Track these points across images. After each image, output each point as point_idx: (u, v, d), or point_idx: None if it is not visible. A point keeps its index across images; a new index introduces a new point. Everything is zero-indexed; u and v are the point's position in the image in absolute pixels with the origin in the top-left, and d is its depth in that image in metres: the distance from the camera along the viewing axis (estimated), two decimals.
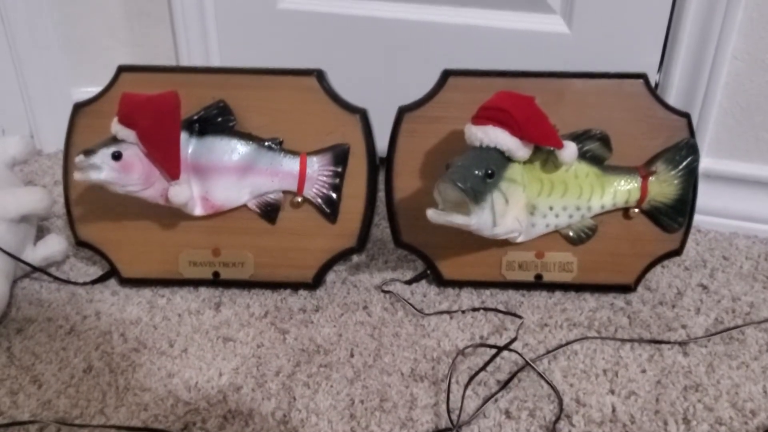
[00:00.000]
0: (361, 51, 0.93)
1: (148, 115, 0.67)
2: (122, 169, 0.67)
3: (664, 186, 0.72)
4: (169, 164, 0.69)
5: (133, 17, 1.03)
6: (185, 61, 1.00)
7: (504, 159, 0.66)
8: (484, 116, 0.65)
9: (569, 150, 0.67)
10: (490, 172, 0.63)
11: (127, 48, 1.05)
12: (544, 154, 0.69)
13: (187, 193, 0.70)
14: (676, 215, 0.73)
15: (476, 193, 0.62)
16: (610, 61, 0.84)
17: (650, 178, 0.72)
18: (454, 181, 0.61)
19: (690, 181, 0.72)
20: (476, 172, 0.63)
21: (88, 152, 0.66)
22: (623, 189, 0.72)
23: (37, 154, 1.06)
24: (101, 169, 0.66)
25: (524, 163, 0.68)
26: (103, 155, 0.66)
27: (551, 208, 0.71)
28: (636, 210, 0.73)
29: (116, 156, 0.66)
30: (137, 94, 0.68)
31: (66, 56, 1.05)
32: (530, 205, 0.70)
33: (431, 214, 0.63)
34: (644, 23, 0.83)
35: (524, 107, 0.65)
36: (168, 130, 0.68)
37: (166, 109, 0.68)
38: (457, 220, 0.62)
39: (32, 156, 1.03)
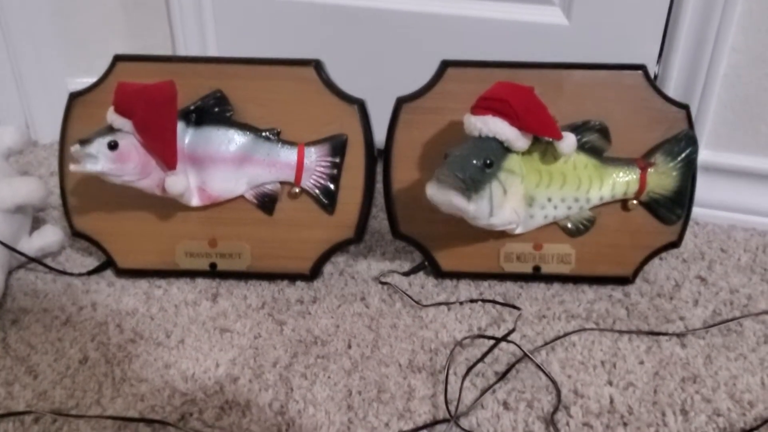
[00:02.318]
0: (359, 41, 0.92)
1: (145, 105, 0.66)
2: (118, 158, 0.66)
3: (662, 178, 0.72)
4: (166, 154, 0.68)
5: (129, 7, 1.02)
6: (182, 52, 1.00)
7: (503, 149, 0.65)
8: (483, 106, 0.65)
9: (568, 141, 0.67)
10: (488, 162, 0.63)
11: (123, 38, 1.04)
12: (543, 145, 0.69)
13: (183, 183, 0.69)
14: (674, 207, 0.73)
15: (474, 182, 0.62)
16: (609, 53, 0.84)
17: (649, 169, 0.71)
18: (452, 170, 0.61)
19: (688, 172, 0.72)
20: (474, 161, 0.62)
21: (84, 142, 0.66)
22: (622, 180, 0.71)
23: (32, 144, 1.06)
24: (97, 159, 0.66)
25: (522, 154, 0.68)
26: (99, 145, 0.66)
27: (549, 200, 0.70)
28: (635, 202, 0.73)
29: (112, 145, 0.66)
30: (133, 83, 0.67)
31: (61, 46, 1.04)
32: (528, 197, 0.70)
33: (431, 190, 0.62)
34: (643, 15, 0.82)
35: (523, 97, 0.65)
36: (165, 120, 0.68)
37: (162, 99, 0.67)
38: (456, 200, 0.62)
39: (27, 146, 1.02)
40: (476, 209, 0.63)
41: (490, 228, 0.67)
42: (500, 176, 0.64)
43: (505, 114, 0.64)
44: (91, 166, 0.66)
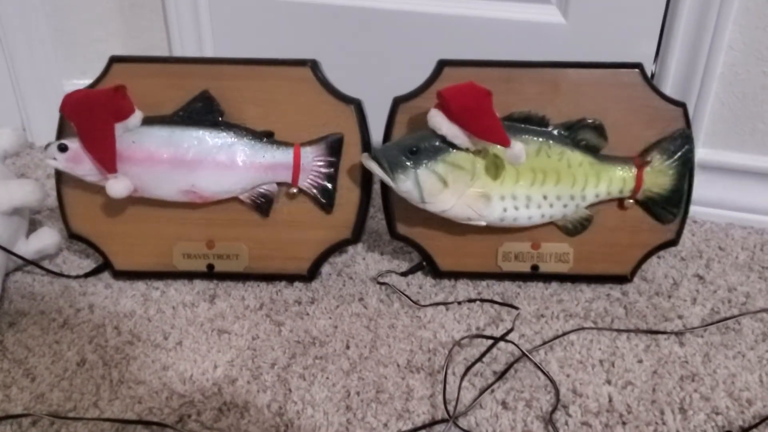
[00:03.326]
0: (356, 41, 0.92)
1: (81, 111, 0.68)
2: (71, 160, 0.70)
3: (659, 176, 0.72)
4: (103, 158, 0.69)
5: (126, 8, 1.02)
6: (178, 52, 1.00)
7: (444, 143, 0.68)
8: (437, 101, 0.68)
9: (514, 151, 0.67)
10: (414, 149, 0.68)
11: (119, 39, 1.04)
12: (537, 144, 0.69)
13: (124, 187, 0.70)
14: (671, 206, 0.73)
15: (391, 164, 0.67)
16: (607, 51, 0.84)
17: (645, 168, 0.71)
18: (374, 150, 0.69)
19: (684, 171, 0.72)
20: (399, 147, 0.68)
21: (48, 145, 0.71)
22: (618, 178, 0.71)
23: (29, 146, 1.05)
24: (56, 161, 0.70)
25: None
26: (54, 147, 0.70)
27: (545, 198, 0.71)
28: (631, 201, 0.73)
29: (62, 148, 0.70)
30: (81, 91, 0.70)
31: (58, 48, 1.04)
32: (525, 196, 0.70)
33: (363, 158, 0.69)
34: (640, 13, 0.82)
35: (468, 98, 0.66)
36: (100, 125, 0.68)
37: (98, 104, 0.68)
38: (378, 172, 0.68)
39: (24, 149, 1.02)
40: (399, 189, 0.69)
41: (441, 214, 0.70)
42: (436, 167, 0.68)
43: (444, 109, 0.67)
44: (53, 164, 0.71)
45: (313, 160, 0.72)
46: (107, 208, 0.75)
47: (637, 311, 0.72)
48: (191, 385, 0.63)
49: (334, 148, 0.72)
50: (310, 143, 0.72)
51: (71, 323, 0.70)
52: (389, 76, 0.80)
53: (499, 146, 0.67)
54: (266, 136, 0.72)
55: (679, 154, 0.71)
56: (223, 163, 0.71)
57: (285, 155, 0.72)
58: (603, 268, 0.75)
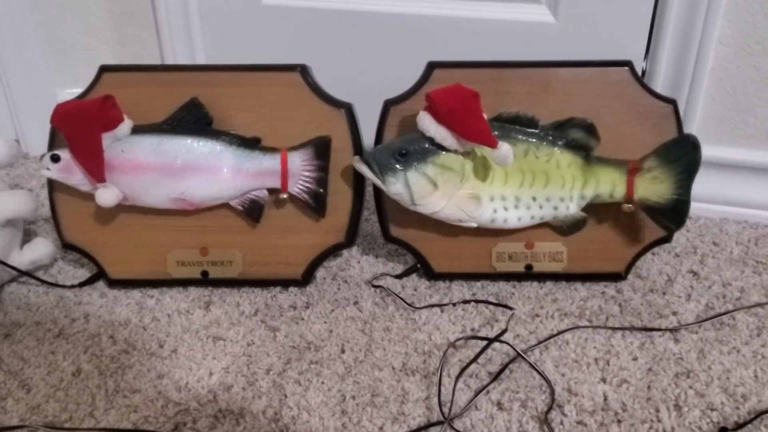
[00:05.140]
0: (345, 45, 0.92)
1: (70, 122, 0.69)
2: (63, 170, 0.71)
3: (655, 184, 0.69)
4: (92, 168, 0.70)
5: (117, 16, 1.02)
6: (170, 60, 1.00)
7: (433, 146, 0.68)
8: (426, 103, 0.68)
9: (501, 152, 0.67)
10: (403, 152, 0.68)
11: (111, 47, 1.04)
12: (525, 144, 0.69)
13: (113, 195, 0.71)
14: (671, 216, 0.69)
15: (381, 166, 0.68)
16: (597, 50, 0.84)
17: (638, 173, 0.69)
18: (365, 153, 0.70)
19: (687, 180, 0.68)
20: (389, 149, 0.69)
21: (42, 155, 0.72)
22: (606, 181, 0.70)
23: (23, 157, 1.05)
24: (49, 171, 0.71)
25: None
26: (47, 158, 0.71)
27: (534, 199, 0.70)
28: (629, 206, 0.71)
29: (55, 159, 0.71)
30: (71, 102, 0.70)
31: (50, 57, 1.04)
32: (514, 197, 0.70)
33: (354, 161, 0.69)
34: (630, 11, 0.82)
35: (455, 100, 0.66)
36: (88, 135, 0.69)
37: (86, 114, 0.69)
38: (369, 174, 0.68)
39: (18, 159, 1.02)
40: (390, 190, 0.69)
41: (433, 216, 0.71)
42: (423, 169, 0.68)
43: (431, 111, 0.67)
44: (47, 174, 0.72)
45: (300, 164, 0.72)
46: (100, 217, 0.75)
47: (631, 309, 0.72)
48: (187, 393, 0.63)
49: (322, 151, 0.72)
50: (296, 148, 0.72)
51: (66, 333, 0.71)
52: (380, 79, 0.80)
53: (486, 147, 0.67)
54: (254, 143, 0.72)
55: (680, 161, 0.68)
56: (212, 170, 0.71)
57: (272, 161, 0.72)
58: (597, 266, 0.75)
